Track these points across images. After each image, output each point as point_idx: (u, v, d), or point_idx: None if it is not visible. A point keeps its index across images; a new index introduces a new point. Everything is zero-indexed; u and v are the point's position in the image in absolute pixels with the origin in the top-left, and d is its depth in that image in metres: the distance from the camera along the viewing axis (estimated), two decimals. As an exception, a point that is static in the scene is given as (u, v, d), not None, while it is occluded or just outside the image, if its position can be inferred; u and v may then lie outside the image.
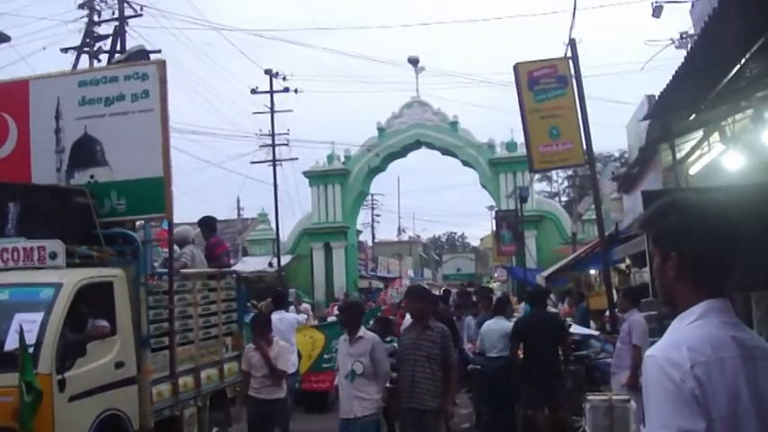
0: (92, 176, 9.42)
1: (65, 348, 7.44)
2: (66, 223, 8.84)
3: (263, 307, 16.54)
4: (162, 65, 9.54)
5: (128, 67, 9.76)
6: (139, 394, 8.49)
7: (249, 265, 41.91)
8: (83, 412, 7.58)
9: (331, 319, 19.20)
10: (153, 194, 9.23)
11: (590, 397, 8.54)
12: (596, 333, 14.80)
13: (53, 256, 8.21)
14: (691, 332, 2.23)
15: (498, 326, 11.71)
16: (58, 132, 9.54)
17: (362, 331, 8.37)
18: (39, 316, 7.49)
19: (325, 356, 15.04)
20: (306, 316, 17.01)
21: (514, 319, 12.87)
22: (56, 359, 7.30)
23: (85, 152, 9.47)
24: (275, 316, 12.10)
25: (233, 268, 37.87)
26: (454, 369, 8.47)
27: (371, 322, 12.53)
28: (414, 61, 42.43)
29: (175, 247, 10.38)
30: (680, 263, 2.30)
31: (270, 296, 16.67)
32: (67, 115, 9.49)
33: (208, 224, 12.06)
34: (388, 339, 10.89)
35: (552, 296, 22.05)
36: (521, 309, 18.21)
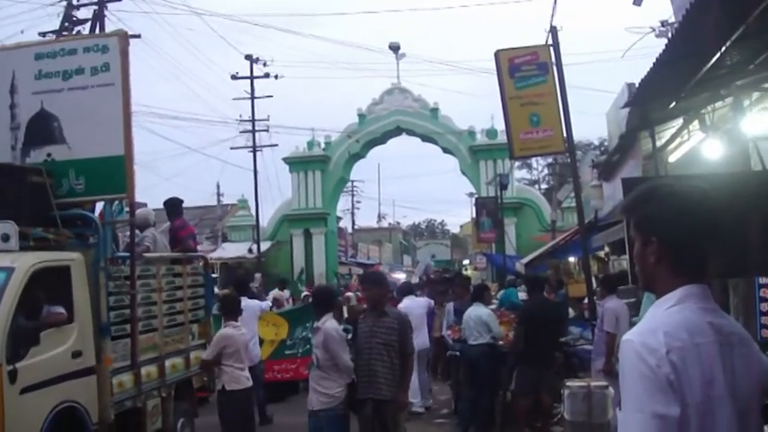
0: (49, 155, 8.94)
1: (16, 337, 7.04)
2: (21, 204, 8.32)
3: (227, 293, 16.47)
4: (123, 36, 9.10)
5: (87, 39, 9.42)
6: (98, 385, 8.09)
7: (229, 251, 41.96)
8: (36, 405, 7.19)
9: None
10: (113, 174, 8.71)
11: (568, 383, 8.56)
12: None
13: (5, 238, 7.71)
14: (668, 317, 2.24)
15: (476, 313, 11.75)
16: (12, 108, 9.03)
17: (323, 320, 8.01)
18: None
19: (288, 342, 14.40)
20: (269, 303, 16.20)
21: (492, 306, 12.96)
22: (6, 348, 6.90)
23: (42, 129, 8.97)
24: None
25: (216, 254, 37.68)
26: (411, 357, 8.28)
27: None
28: (395, 48, 42.35)
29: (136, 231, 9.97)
30: (660, 248, 2.32)
31: (231, 282, 16.18)
32: (23, 90, 8.99)
33: (173, 205, 11.66)
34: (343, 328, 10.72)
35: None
36: (499, 296, 18.31)
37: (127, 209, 9.65)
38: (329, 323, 7.97)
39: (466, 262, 63.91)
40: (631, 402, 2.16)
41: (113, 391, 8.30)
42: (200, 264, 11.53)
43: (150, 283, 9.57)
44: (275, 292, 21.36)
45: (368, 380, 7.87)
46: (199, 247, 40.70)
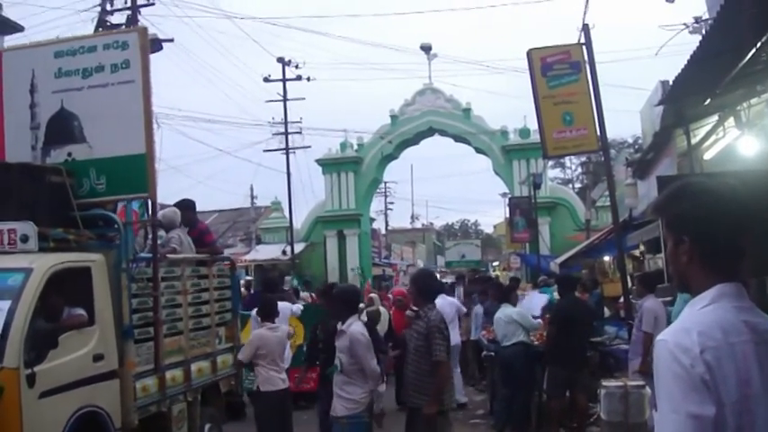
0: (69, 154, 8.71)
1: (34, 340, 6.83)
2: (40, 204, 8.11)
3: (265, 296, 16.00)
4: (143, 32, 8.94)
5: (107, 36, 9.08)
6: (121, 389, 7.83)
7: (263, 253, 42.13)
8: (55, 409, 6.94)
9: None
10: (135, 173, 8.48)
11: (605, 383, 8.53)
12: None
13: (24, 239, 7.52)
14: (702, 317, 2.22)
15: (504, 313, 11.73)
16: (32, 107, 8.84)
17: (348, 323, 7.61)
18: (5, 304, 6.88)
19: (304, 349, 12.54)
20: (300, 306, 15.00)
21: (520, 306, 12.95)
22: (24, 351, 6.67)
23: (62, 128, 8.76)
24: None
25: (250, 256, 37.78)
26: (441, 366, 7.53)
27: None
28: (426, 48, 42.29)
29: (162, 232, 9.86)
30: (692, 247, 2.30)
31: (261, 282, 15.73)
32: (43, 89, 8.78)
33: (190, 207, 11.20)
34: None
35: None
36: (532, 295, 18.22)
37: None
38: (355, 326, 7.60)
39: (496, 263, 63.70)
40: (666, 403, 2.15)
41: (137, 396, 8.06)
42: (227, 266, 11.21)
43: (175, 284, 9.32)
44: (304, 295, 20.91)
45: (405, 386, 7.81)
46: (233, 250, 40.86)
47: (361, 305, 13.66)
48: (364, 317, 13.20)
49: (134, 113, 8.46)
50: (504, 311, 11.79)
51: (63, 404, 7.07)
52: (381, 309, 14.26)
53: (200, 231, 11.10)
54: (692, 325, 2.20)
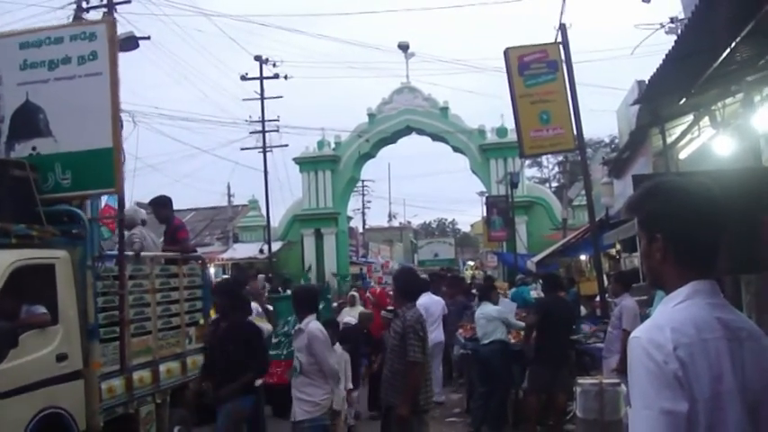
0: (34, 148, 8.42)
1: None
2: (1, 199, 7.83)
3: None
4: (111, 23, 8.67)
5: (74, 27, 8.76)
6: (86, 390, 7.60)
7: (240, 251, 42.05)
8: (16, 411, 6.71)
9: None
10: (101, 167, 8.20)
11: (580, 381, 8.54)
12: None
13: None
14: (675, 314, 2.23)
15: (484, 311, 11.76)
16: None
17: (306, 321, 7.45)
18: None
19: (273, 341, 12.54)
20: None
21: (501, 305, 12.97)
22: None
23: (27, 121, 8.46)
24: None
25: (227, 255, 37.43)
26: (414, 366, 7.13)
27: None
28: (404, 47, 42.41)
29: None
30: (665, 245, 2.32)
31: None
32: (8, 81, 8.50)
33: (165, 204, 10.91)
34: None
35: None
36: (509, 294, 18.30)
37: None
38: (312, 324, 7.43)
39: (471, 262, 63.78)
40: (639, 399, 2.16)
41: (102, 397, 7.79)
42: (198, 264, 10.91)
43: (143, 283, 9.12)
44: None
45: (381, 384, 7.61)
46: (210, 248, 40.68)
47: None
48: (351, 318, 13.08)
49: (101, 107, 8.23)
50: (484, 309, 11.81)
51: (24, 405, 6.84)
52: (360, 308, 14.28)
53: (174, 228, 10.81)
54: (665, 322, 2.21)
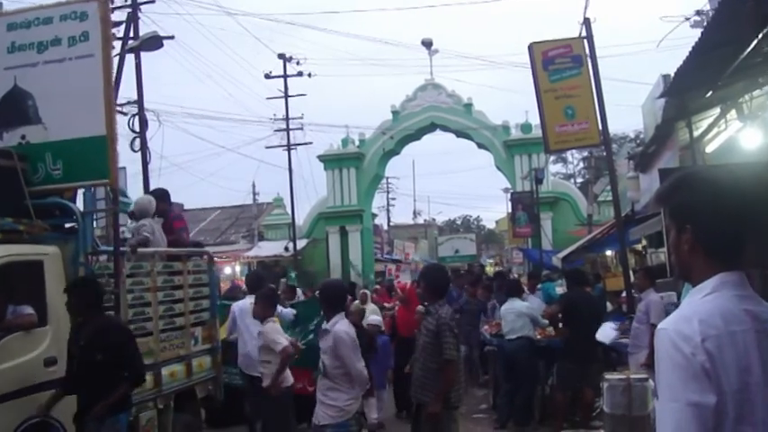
0: (23, 137, 7.91)
1: None
2: None
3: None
4: (103, 1, 8.00)
5: (63, 6, 8.00)
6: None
7: (265, 249, 42.14)
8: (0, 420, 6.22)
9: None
10: (95, 157, 7.64)
11: (608, 376, 8.49)
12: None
13: None
14: (703, 305, 2.22)
15: (513, 307, 11.74)
16: None
17: (333, 321, 6.98)
18: None
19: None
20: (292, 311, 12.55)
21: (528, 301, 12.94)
22: None
23: (15, 108, 7.91)
24: (242, 303, 10.65)
25: (253, 253, 37.29)
26: (450, 364, 7.12)
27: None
28: (427, 44, 42.32)
29: (131, 222, 9.27)
30: (694, 236, 2.30)
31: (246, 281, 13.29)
32: None
33: (161, 196, 10.33)
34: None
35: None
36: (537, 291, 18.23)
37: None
38: (339, 324, 6.96)
39: (490, 260, 63.53)
40: (667, 391, 2.15)
41: None
42: (204, 260, 10.34)
43: (143, 281, 8.52)
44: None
45: (412, 382, 7.45)
46: (235, 246, 40.81)
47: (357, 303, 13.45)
48: (376, 317, 12.74)
49: (93, 91, 7.70)
50: (513, 305, 11.79)
51: (8, 414, 6.36)
52: (372, 305, 14.12)
53: (171, 219, 10.32)
54: (692, 313, 2.20)
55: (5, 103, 8.05)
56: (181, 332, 9.15)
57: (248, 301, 10.32)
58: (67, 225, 7.99)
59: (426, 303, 7.82)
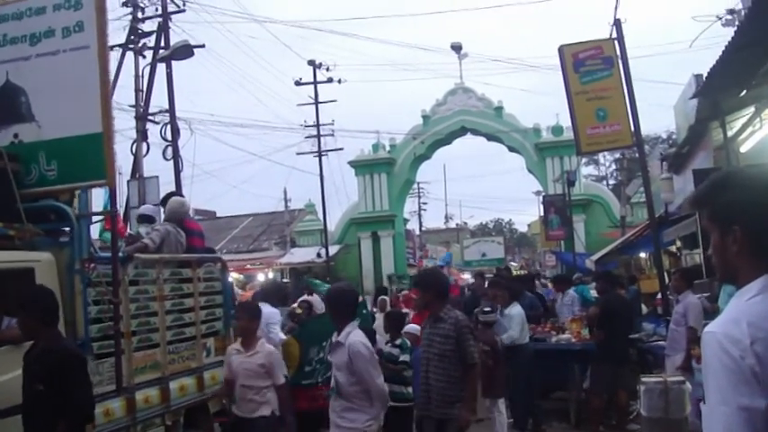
0: (15, 135, 7.41)
1: None
2: None
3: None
4: None
5: None
6: None
7: (297, 256, 42.28)
8: None
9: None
10: (91, 156, 7.11)
11: (644, 379, 8.43)
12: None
13: None
14: (750, 307, 2.17)
15: (512, 312, 11.54)
16: None
17: (345, 332, 6.14)
18: None
19: (306, 369, 10.48)
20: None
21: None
22: None
23: (7, 105, 7.43)
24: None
25: (285, 259, 37.13)
26: (474, 368, 6.81)
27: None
28: (457, 48, 42.33)
29: (144, 227, 9.02)
30: (743, 236, 2.26)
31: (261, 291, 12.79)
32: None
33: (165, 201, 9.98)
34: (397, 343, 9.22)
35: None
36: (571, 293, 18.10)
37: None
38: (354, 335, 6.15)
39: (513, 264, 63.19)
40: (715, 395, 2.10)
41: (96, 422, 6.21)
42: (218, 267, 9.74)
43: (149, 289, 8.04)
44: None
45: (425, 395, 6.86)
46: (268, 253, 40.94)
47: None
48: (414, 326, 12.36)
49: (89, 85, 7.17)
50: (512, 310, 11.57)
51: None
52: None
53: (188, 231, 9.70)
54: (741, 315, 2.15)
55: None
56: (192, 343, 8.72)
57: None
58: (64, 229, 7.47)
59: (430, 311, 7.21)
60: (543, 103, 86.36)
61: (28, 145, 7.36)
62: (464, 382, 6.73)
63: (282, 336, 10.52)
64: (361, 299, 9.80)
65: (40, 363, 5.30)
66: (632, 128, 13.00)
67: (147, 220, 10.05)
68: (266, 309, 10.00)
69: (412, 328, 10.51)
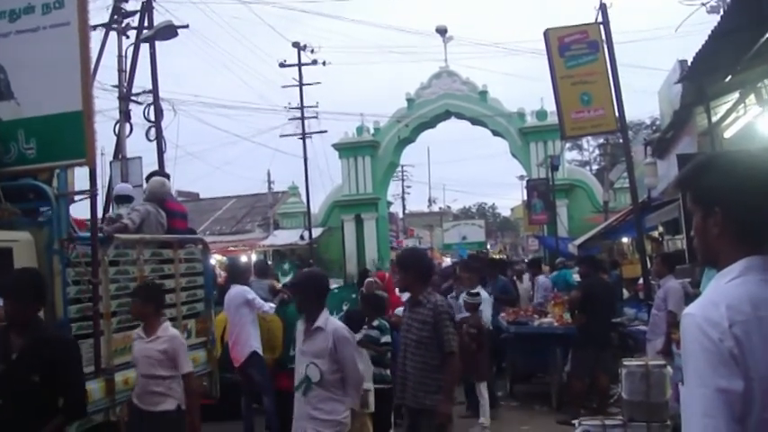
0: None
1: None
2: None
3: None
4: None
5: None
6: None
7: (280, 238, 42.29)
8: None
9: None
10: (70, 135, 6.97)
11: (626, 363, 8.48)
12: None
13: None
14: (730, 290, 2.18)
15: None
16: None
17: (323, 318, 5.84)
18: None
19: (292, 352, 9.20)
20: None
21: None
22: None
23: None
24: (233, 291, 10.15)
25: (268, 241, 37.10)
26: (454, 357, 6.41)
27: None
28: (442, 31, 42.29)
29: (123, 208, 8.94)
30: (724, 219, 2.27)
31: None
32: None
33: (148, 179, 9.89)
34: (375, 324, 9.13)
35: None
36: (550, 277, 18.17)
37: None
38: (334, 322, 5.97)
39: (492, 249, 63.39)
40: (694, 377, 2.11)
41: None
42: (199, 248, 9.57)
43: (129, 270, 7.89)
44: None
45: (401, 383, 6.55)
46: (251, 235, 40.91)
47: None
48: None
49: (69, 63, 7.00)
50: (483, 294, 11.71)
51: None
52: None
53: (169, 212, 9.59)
54: (720, 298, 2.16)
55: None
56: (172, 324, 8.15)
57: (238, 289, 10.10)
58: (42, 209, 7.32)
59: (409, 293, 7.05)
60: (528, 88, 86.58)
61: (6, 123, 7.19)
62: (442, 370, 6.35)
63: (273, 305, 10.45)
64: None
65: (35, 352, 4.82)
66: (616, 113, 13.01)
67: (124, 200, 9.92)
68: (232, 290, 10.27)
69: (400, 311, 10.39)
